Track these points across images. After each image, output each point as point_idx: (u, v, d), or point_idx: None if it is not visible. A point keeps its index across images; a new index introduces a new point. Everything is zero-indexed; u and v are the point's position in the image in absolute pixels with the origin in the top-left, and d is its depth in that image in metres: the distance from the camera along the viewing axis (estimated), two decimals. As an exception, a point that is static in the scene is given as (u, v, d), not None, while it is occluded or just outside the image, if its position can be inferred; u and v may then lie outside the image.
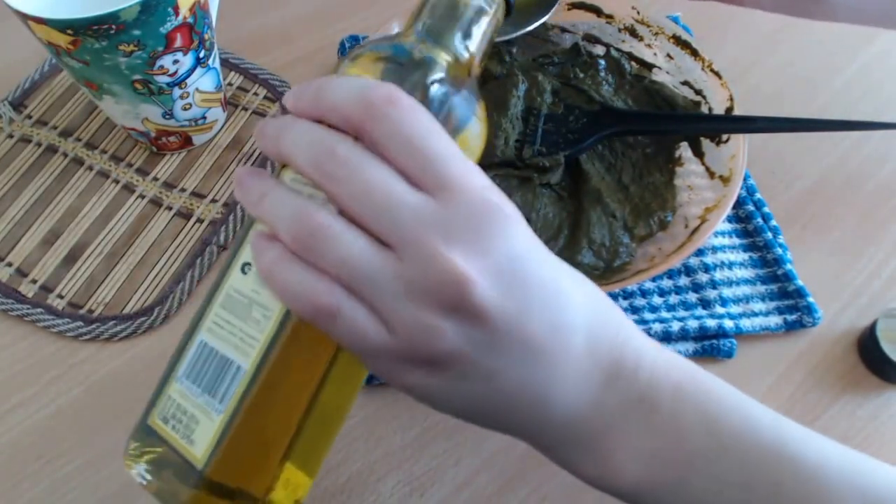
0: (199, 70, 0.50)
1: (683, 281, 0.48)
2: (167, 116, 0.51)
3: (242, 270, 0.28)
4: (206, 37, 0.49)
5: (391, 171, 0.24)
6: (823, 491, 0.27)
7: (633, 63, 0.53)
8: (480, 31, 0.30)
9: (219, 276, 0.30)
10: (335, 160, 0.24)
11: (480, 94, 0.30)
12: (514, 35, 0.48)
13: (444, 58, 0.29)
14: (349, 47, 0.60)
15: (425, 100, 0.27)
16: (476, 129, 0.29)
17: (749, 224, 0.50)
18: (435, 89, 0.28)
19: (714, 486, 0.28)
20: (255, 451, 0.29)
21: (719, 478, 0.27)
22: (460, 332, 0.24)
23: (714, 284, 0.47)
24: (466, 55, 0.30)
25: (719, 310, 0.46)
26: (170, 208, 0.52)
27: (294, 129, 0.26)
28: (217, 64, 0.52)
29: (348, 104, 0.25)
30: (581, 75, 0.52)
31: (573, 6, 0.54)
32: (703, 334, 0.45)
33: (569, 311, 0.26)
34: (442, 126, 0.27)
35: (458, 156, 0.25)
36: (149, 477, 0.30)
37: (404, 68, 0.28)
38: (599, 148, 0.50)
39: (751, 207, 0.50)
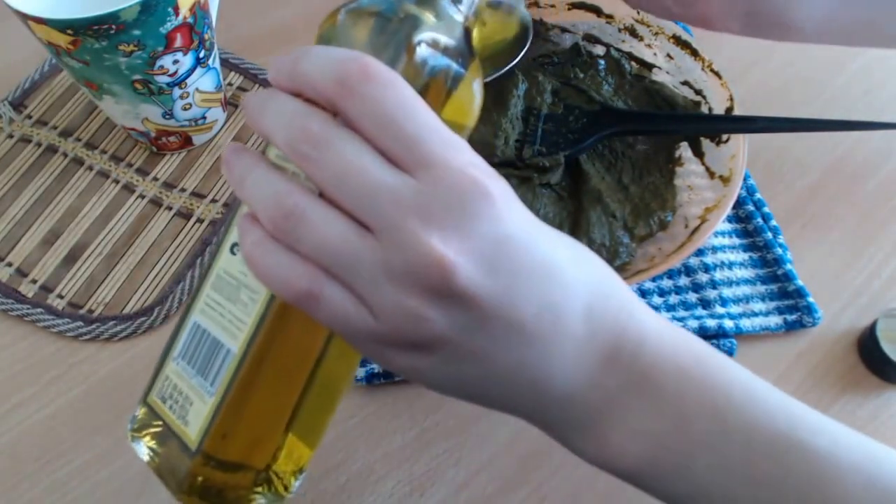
0: (199, 70, 0.50)
1: (683, 281, 0.48)
2: (167, 116, 0.51)
3: (231, 251, 0.28)
4: (206, 37, 0.49)
5: (369, 151, 0.23)
6: (831, 478, 0.27)
7: (633, 63, 0.53)
8: None
9: (211, 256, 0.30)
10: (310, 141, 0.23)
11: (475, 49, 0.29)
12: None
13: (434, 12, 0.28)
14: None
15: (413, 59, 0.26)
16: (470, 88, 0.28)
17: (749, 224, 0.50)
18: (424, 48, 0.26)
19: (718, 471, 0.27)
20: (251, 428, 0.29)
21: (724, 463, 0.27)
22: (445, 317, 0.24)
23: (714, 284, 0.47)
24: (458, 9, 0.28)
25: (719, 310, 0.46)
26: (170, 208, 0.52)
27: (273, 105, 0.25)
28: (217, 64, 0.52)
29: (323, 80, 0.24)
30: (581, 75, 0.52)
31: (573, 6, 0.54)
32: (702, 334, 0.45)
33: (564, 291, 0.25)
34: (436, 85, 0.26)
35: (439, 132, 0.24)
36: (150, 453, 0.30)
37: (393, 24, 0.27)
38: (599, 148, 0.50)
39: (751, 207, 0.50)
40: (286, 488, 0.31)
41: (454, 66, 0.27)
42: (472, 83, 0.28)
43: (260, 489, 0.30)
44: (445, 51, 0.27)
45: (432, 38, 0.26)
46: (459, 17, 0.28)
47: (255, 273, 0.25)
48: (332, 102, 0.24)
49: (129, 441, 0.31)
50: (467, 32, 0.28)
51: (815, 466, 0.27)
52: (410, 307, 0.23)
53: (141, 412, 0.31)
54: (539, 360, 0.26)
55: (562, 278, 0.25)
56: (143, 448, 0.31)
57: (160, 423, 0.30)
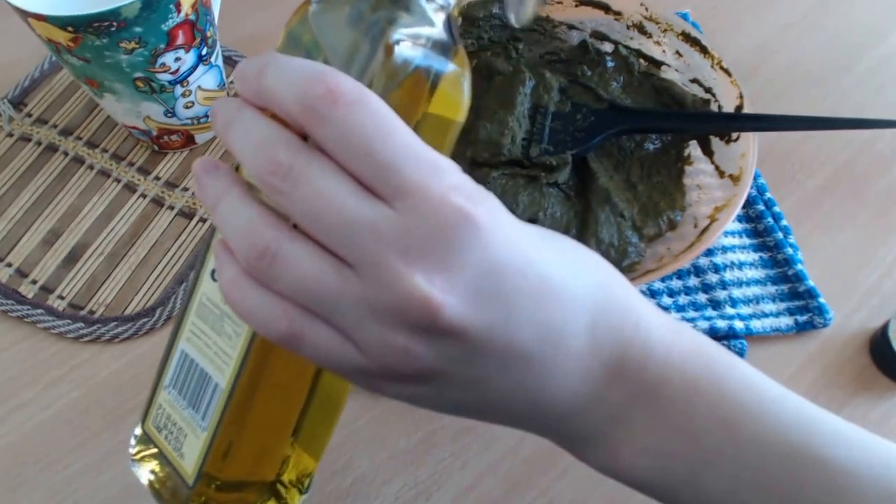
0: (201, 68, 0.49)
1: (693, 281, 0.47)
2: (169, 115, 0.50)
3: (212, 277, 0.27)
4: (209, 34, 0.49)
5: (343, 180, 0.22)
6: (847, 489, 0.26)
7: (642, 60, 0.52)
8: None
9: (193, 276, 0.28)
10: (278, 173, 0.22)
11: (460, 37, 0.26)
12: None
13: (411, 2, 0.25)
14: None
15: (390, 57, 0.24)
16: (457, 81, 0.26)
17: (759, 224, 0.49)
18: (402, 43, 0.24)
19: (730, 484, 0.27)
20: (251, 449, 0.28)
21: (735, 476, 0.26)
22: (435, 351, 0.23)
23: (724, 285, 0.47)
24: None
25: (729, 310, 0.46)
26: (172, 208, 0.51)
27: (240, 123, 0.23)
28: (219, 61, 0.52)
29: (288, 101, 0.22)
30: (589, 73, 0.52)
31: (581, 3, 0.53)
32: (712, 335, 0.44)
33: (564, 309, 0.24)
34: (417, 82, 0.24)
35: (416, 155, 0.22)
36: (150, 476, 0.30)
37: (367, 17, 0.24)
38: (607, 146, 0.49)
39: (761, 207, 0.50)
40: (294, 500, 0.31)
41: (437, 59, 0.25)
42: (457, 76, 0.26)
43: (269, 503, 0.30)
44: (426, 43, 0.24)
45: (410, 31, 0.24)
46: (441, 5, 0.26)
47: (234, 312, 0.23)
48: (301, 126, 0.22)
49: (129, 465, 0.31)
50: (450, 21, 0.26)
51: (830, 478, 0.26)
52: (397, 344, 0.22)
53: (140, 435, 0.31)
54: (540, 381, 0.25)
55: (561, 295, 0.24)
56: (143, 471, 0.30)
57: (156, 451, 0.29)
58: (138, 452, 0.31)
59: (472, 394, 0.25)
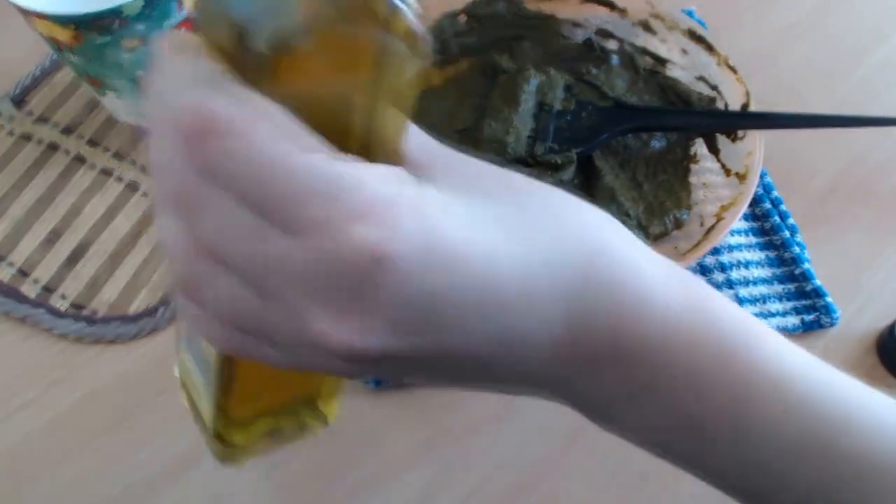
0: (203, 66, 0.49)
1: (699, 281, 0.47)
2: (171, 113, 0.50)
3: None
4: (211, 32, 0.48)
5: (244, 209, 0.19)
6: (869, 484, 0.25)
7: (647, 58, 0.52)
8: None
9: None
10: (178, 200, 0.20)
11: None
12: None
13: None
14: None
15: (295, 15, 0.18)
16: (405, 13, 0.19)
17: (766, 222, 0.49)
18: None
19: (738, 470, 0.26)
20: (261, 398, 0.29)
21: (743, 461, 0.25)
22: (380, 369, 0.22)
23: (730, 284, 0.46)
24: None
25: (735, 310, 0.45)
26: (174, 207, 0.51)
27: (151, 138, 0.21)
28: (221, 59, 0.52)
29: (165, 133, 0.20)
30: (594, 71, 0.51)
31: (586, 0, 0.53)
32: (719, 335, 0.44)
33: (521, 313, 0.22)
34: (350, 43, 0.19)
35: (310, 184, 0.19)
36: (186, 403, 0.31)
37: None
38: (612, 145, 0.49)
39: (767, 205, 0.49)
40: (332, 410, 0.31)
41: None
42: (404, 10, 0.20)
43: (305, 415, 0.30)
44: None
45: None
46: None
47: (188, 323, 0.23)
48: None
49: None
50: None
51: (849, 473, 0.25)
52: (336, 365, 0.21)
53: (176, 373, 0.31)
54: (511, 372, 0.24)
55: (518, 300, 0.22)
56: (183, 396, 0.31)
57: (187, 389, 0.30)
58: (179, 384, 0.31)
59: (442, 378, 0.24)
